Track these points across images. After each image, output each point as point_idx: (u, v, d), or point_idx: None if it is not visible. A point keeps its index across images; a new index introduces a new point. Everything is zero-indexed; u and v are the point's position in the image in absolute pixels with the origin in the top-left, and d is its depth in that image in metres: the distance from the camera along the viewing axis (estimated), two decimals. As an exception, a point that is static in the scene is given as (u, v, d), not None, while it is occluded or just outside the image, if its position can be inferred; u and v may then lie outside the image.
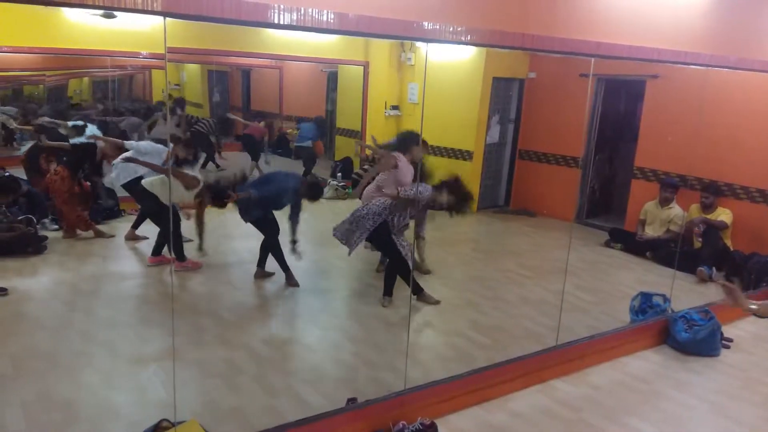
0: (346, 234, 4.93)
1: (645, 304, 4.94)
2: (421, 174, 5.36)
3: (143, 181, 5.75)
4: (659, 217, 6.96)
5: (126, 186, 6.20)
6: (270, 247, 5.37)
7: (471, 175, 8.69)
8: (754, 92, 6.47)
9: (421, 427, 3.28)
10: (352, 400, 3.42)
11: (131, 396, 3.59)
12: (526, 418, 3.58)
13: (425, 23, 3.14)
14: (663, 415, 3.71)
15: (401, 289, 5.34)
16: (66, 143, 6.67)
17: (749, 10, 6.47)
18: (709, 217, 6.55)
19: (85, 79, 9.42)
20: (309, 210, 7.89)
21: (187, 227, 5.89)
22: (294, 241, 5.30)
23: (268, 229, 5.33)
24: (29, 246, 5.89)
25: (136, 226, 6.50)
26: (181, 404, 3.04)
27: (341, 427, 3.20)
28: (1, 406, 3.38)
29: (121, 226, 7.13)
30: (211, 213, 7.93)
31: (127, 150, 6.15)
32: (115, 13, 6.62)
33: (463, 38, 3.32)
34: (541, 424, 3.54)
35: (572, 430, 3.50)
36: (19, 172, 7.28)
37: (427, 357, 4.29)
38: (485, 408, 3.65)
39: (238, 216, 5.35)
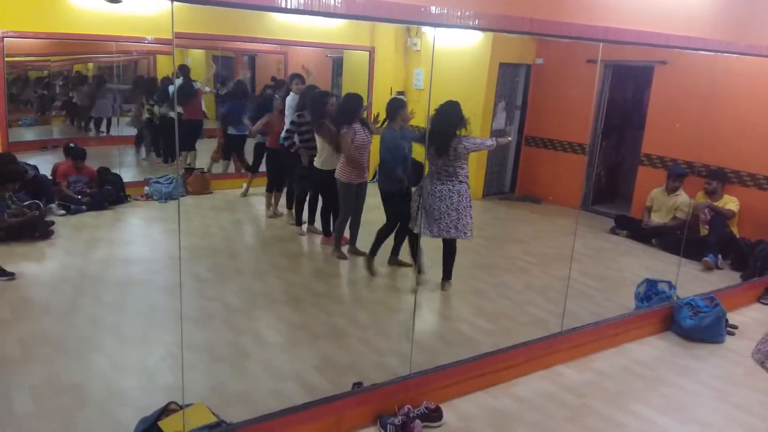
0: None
1: (650, 291, 4.94)
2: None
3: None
4: (666, 204, 6.94)
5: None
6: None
7: (477, 161, 8.68)
8: (762, 78, 6.42)
9: (426, 411, 3.30)
10: (357, 385, 3.45)
11: (139, 380, 3.62)
12: (531, 403, 3.60)
13: (433, 8, 3.12)
14: (667, 401, 3.72)
15: (406, 275, 5.36)
16: None
17: (759, -4, 6.41)
18: (715, 204, 6.52)
19: (90, 65, 9.43)
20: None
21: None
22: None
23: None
24: (36, 231, 5.92)
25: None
26: (189, 388, 3.07)
27: (347, 410, 3.22)
28: (10, 390, 3.41)
29: (126, 212, 7.18)
30: (218, 198, 7.98)
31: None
32: (121, -3, 6.66)
33: (470, 23, 3.30)
34: (545, 409, 3.56)
35: (577, 415, 3.52)
36: (25, 158, 7.33)
37: (433, 342, 4.31)
38: (490, 393, 3.67)
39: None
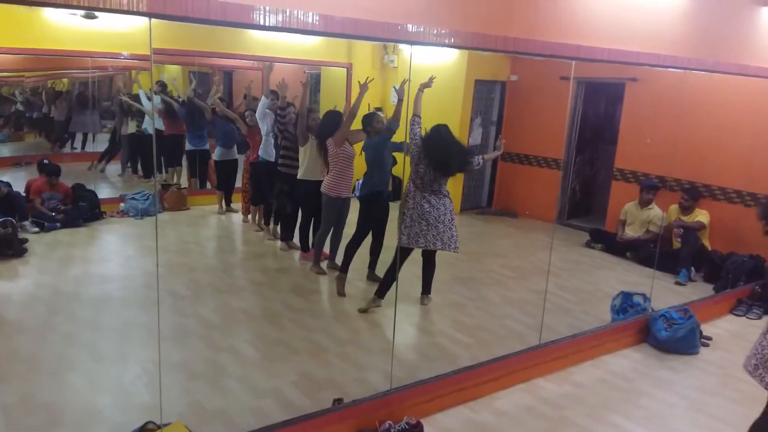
0: None
1: (625, 304, 5.01)
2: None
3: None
4: (639, 217, 7.06)
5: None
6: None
7: (454, 177, 8.73)
8: (730, 95, 6.59)
9: (407, 427, 3.30)
10: (338, 401, 3.43)
11: (115, 398, 3.56)
12: (511, 417, 3.62)
13: (409, 26, 3.17)
14: (644, 412, 3.77)
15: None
16: None
17: (726, 15, 6.59)
18: (686, 218, 6.65)
19: (65, 80, 9.33)
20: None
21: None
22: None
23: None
24: (10, 248, 5.82)
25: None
26: (166, 406, 3.03)
27: (328, 427, 3.20)
28: (-17, 410, 3.34)
29: (102, 228, 7.09)
30: (194, 215, 7.92)
31: None
32: (96, 13, 6.61)
33: (446, 41, 3.36)
34: (525, 422, 3.58)
35: (556, 427, 3.55)
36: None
37: (413, 357, 4.31)
38: (470, 407, 3.68)
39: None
